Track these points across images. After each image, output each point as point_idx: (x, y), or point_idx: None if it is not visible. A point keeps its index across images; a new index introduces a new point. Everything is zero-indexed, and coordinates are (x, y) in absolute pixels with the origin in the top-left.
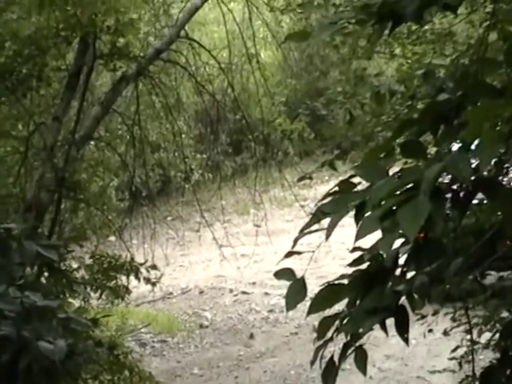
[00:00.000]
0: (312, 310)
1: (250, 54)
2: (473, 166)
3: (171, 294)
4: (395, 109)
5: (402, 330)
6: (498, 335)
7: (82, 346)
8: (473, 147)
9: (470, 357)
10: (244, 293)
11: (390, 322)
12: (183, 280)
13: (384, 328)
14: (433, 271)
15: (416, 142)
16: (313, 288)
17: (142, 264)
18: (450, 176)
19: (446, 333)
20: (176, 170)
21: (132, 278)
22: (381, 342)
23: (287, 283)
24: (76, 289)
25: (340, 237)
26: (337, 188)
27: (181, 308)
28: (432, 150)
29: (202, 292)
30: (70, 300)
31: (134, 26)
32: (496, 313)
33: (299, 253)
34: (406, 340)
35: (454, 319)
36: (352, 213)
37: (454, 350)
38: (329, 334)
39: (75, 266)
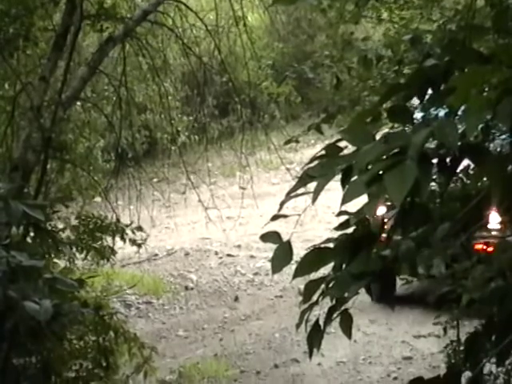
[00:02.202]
0: (298, 273)
1: (237, 17)
2: (460, 131)
3: (157, 255)
4: (382, 73)
5: (388, 294)
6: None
7: (68, 306)
8: (460, 113)
9: (455, 322)
10: (229, 255)
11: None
12: (169, 242)
13: (369, 292)
14: (419, 236)
15: (403, 107)
16: (298, 251)
17: (127, 225)
18: (436, 141)
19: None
20: (162, 131)
21: (118, 239)
22: (366, 306)
23: (273, 246)
24: (62, 249)
25: (326, 201)
26: (323, 152)
27: (166, 270)
28: (419, 115)
29: (187, 254)
30: (56, 260)
31: None
32: (482, 279)
33: (285, 216)
34: (392, 305)
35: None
36: (338, 177)
37: (438, 316)
38: (314, 298)
39: (61, 226)
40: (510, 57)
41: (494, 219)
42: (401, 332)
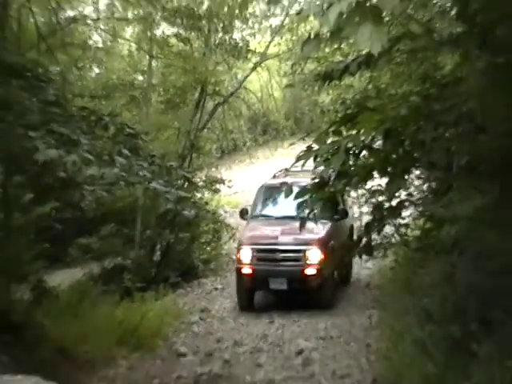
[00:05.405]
0: (297, 197)
1: (270, 94)
2: (361, 139)
3: (237, 192)
4: (330, 116)
5: (249, 305)
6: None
7: (202, 212)
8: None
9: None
10: None
11: None
12: (242, 186)
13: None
14: (345, 183)
15: (339, 130)
16: None
17: (226, 179)
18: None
19: None
20: (239, 141)
21: (222, 185)
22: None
23: None
24: (198, 189)
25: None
26: (305, 148)
27: (242, 198)
28: (344, 133)
29: (249, 191)
30: (196, 194)
31: (223, 82)
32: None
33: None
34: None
35: None
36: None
37: None
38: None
39: (198, 180)
40: (380, 109)
41: (315, 255)
42: None
